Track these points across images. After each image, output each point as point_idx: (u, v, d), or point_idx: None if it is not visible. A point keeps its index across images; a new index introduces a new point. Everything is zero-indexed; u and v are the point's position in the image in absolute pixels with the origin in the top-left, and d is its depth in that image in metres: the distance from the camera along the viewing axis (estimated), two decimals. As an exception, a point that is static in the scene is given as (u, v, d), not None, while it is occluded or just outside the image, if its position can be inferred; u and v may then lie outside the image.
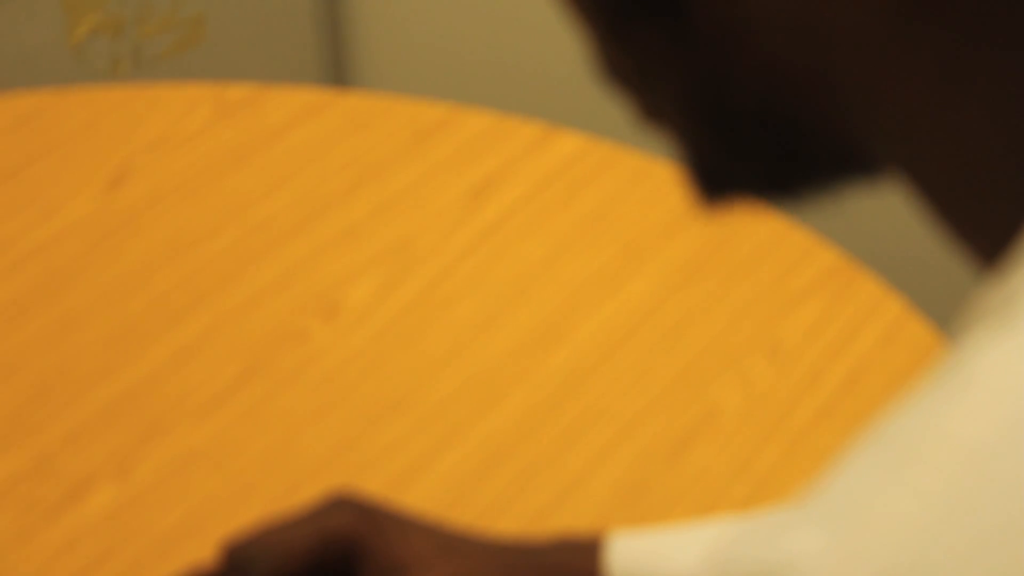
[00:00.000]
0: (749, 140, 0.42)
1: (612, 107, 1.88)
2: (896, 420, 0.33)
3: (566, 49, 1.87)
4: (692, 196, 0.45)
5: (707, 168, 0.44)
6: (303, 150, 1.33)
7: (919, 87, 0.37)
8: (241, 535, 0.79)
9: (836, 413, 1.12)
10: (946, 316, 1.83)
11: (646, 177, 1.31)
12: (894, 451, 0.32)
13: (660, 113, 0.44)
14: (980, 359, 0.33)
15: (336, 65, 1.99)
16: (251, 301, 1.20)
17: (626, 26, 0.43)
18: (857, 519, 0.32)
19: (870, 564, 0.31)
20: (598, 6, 0.43)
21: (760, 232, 1.26)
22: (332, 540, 0.78)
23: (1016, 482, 0.31)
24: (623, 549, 0.79)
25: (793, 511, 0.33)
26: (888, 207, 1.81)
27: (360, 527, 0.79)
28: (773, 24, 0.39)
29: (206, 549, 1.03)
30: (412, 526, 0.79)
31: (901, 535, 0.31)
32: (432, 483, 1.07)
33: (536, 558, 0.80)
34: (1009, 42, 0.35)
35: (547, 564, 0.79)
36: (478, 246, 1.25)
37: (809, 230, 1.79)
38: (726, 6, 0.40)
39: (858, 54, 0.38)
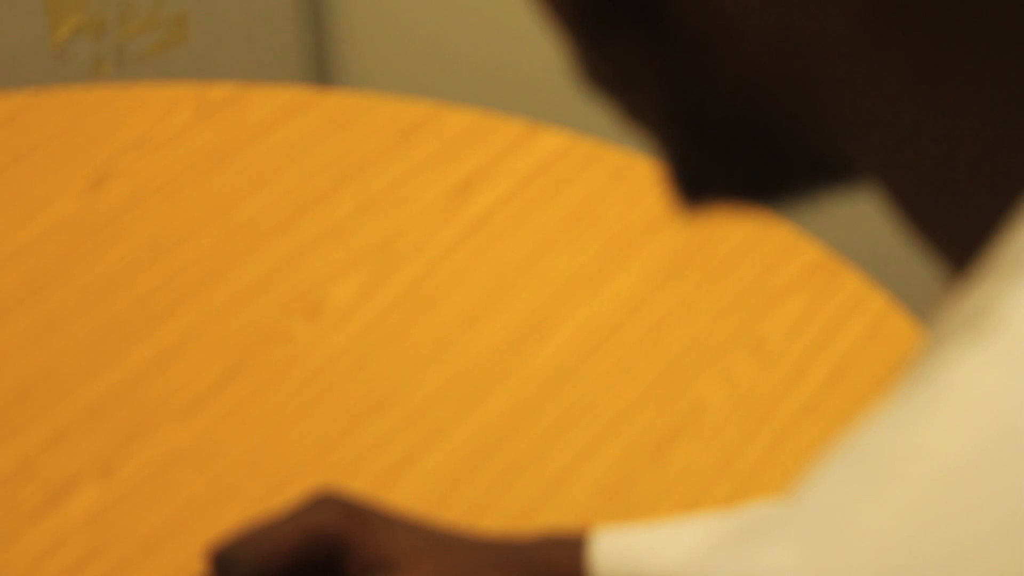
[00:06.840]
0: (729, 145, 0.42)
1: (594, 104, 1.88)
2: (870, 432, 0.33)
3: (548, 47, 1.87)
4: (673, 198, 0.45)
5: (688, 171, 0.44)
6: (286, 149, 1.33)
7: (893, 90, 0.37)
8: (226, 537, 0.79)
9: (820, 409, 1.12)
10: (930, 311, 1.83)
11: (629, 174, 1.31)
12: (869, 465, 0.32)
13: (642, 116, 0.44)
14: (954, 371, 0.33)
15: (319, 64, 1.99)
16: (234, 301, 1.19)
17: (606, 33, 0.43)
18: (833, 535, 0.32)
19: None
20: (577, 13, 0.43)
21: (743, 228, 1.26)
22: (317, 538, 0.79)
23: (992, 498, 0.31)
24: (608, 546, 0.79)
25: (769, 522, 0.33)
26: (871, 202, 1.81)
27: (345, 524, 0.79)
28: (750, 30, 0.39)
29: (191, 549, 1.03)
30: (397, 523, 0.80)
31: (877, 552, 0.31)
32: (416, 481, 1.07)
33: (521, 555, 0.80)
34: (981, 45, 0.35)
35: (532, 561, 0.79)
36: (461, 244, 1.25)
37: (792, 225, 1.80)
38: (703, 13, 0.40)
39: (833, 58, 0.38)
